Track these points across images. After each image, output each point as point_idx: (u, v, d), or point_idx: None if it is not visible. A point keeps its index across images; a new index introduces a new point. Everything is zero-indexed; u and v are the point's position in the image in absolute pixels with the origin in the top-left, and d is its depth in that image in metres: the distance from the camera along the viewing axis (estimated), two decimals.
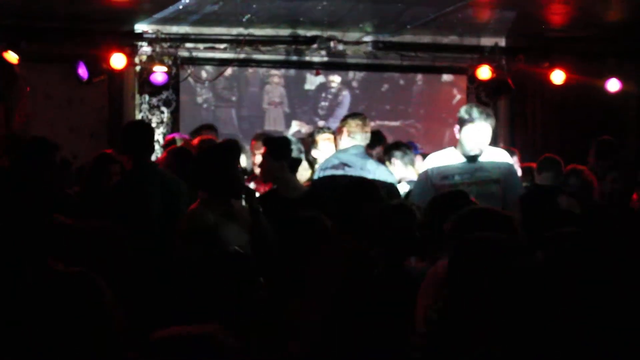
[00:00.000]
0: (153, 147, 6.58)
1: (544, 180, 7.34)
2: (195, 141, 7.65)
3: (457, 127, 6.33)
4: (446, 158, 6.41)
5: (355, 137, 6.67)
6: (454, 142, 6.46)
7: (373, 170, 6.53)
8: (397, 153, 7.64)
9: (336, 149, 6.94)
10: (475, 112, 6.23)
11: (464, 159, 6.32)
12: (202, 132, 8.77)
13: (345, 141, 6.70)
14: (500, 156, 6.48)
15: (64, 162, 6.96)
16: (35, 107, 10.10)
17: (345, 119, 6.89)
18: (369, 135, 6.77)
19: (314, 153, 7.27)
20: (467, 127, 6.23)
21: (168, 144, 8.04)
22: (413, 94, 11.47)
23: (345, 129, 6.73)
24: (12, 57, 9.51)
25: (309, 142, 7.35)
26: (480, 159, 6.32)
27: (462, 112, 6.32)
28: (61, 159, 6.65)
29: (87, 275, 2.76)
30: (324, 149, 7.20)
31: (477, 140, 6.24)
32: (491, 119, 6.28)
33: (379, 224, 4.80)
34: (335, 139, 7.02)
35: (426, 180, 6.34)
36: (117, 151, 6.71)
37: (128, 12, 9.80)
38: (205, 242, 5.13)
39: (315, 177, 6.71)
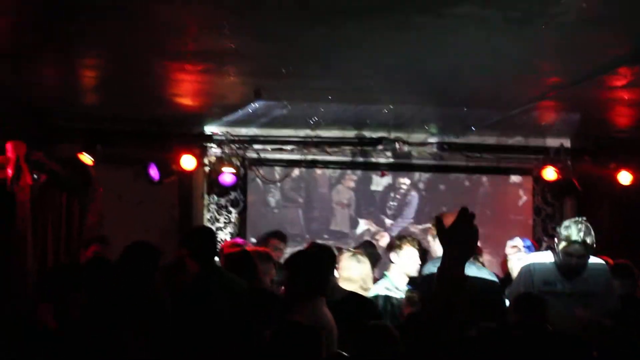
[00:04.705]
0: (216, 250, 6.83)
1: (618, 287, 7.20)
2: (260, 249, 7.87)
3: (555, 239, 6.40)
4: (550, 261, 6.44)
5: None
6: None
7: (474, 272, 6.60)
8: None
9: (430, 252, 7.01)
10: (573, 230, 6.28)
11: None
12: (270, 240, 9.00)
13: (438, 246, 6.77)
14: (599, 267, 6.47)
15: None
16: (108, 207, 10.34)
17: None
18: None
19: (392, 256, 7.36)
20: (564, 245, 6.28)
21: None
22: (479, 195, 11.47)
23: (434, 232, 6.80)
24: (87, 159, 9.82)
25: (394, 244, 7.46)
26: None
27: (562, 227, 6.39)
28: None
29: None
30: (406, 255, 7.27)
31: (571, 260, 6.29)
32: (588, 237, 6.28)
33: None
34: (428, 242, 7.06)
35: (528, 278, 6.38)
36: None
37: (198, 116, 10.10)
38: None
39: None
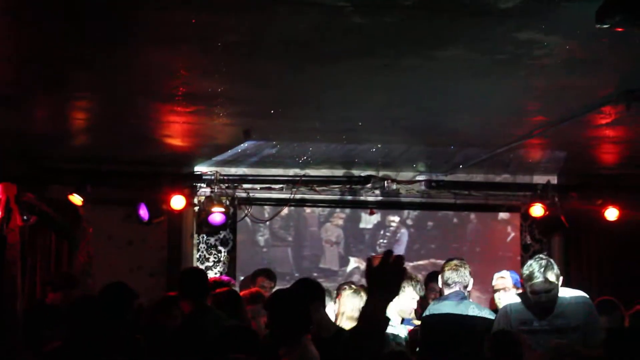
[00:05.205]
0: (208, 290, 6.85)
1: (605, 323, 7.22)
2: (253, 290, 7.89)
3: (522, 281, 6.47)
4: (526, 299, 6.46)
5: (452, 284, 6.84)
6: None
7: (475, 312, 6.73)
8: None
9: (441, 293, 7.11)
10: (534, 267, 6.30)
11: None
12: (258, 279, 9.01)
13: (445, 290, 6.91)
14: (579, 301, 6.47)
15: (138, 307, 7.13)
16: (97, 247, 10.33)
17: (442, 267, 7.07)
18: (465, 272, 6.90)
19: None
20: (528, 284, 6.31)
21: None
22: (467, 232, 11.53)
23: (440, 277, 6.94)
24: (76, 199, 9.83)
25: None
26: (559, 302, 6.35)
27: (524, 267, 6.44)
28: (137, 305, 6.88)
29: None
30: (406, 296, 7.31)
31: (540, 297, 6.31)
32: (550, 272, 6.28)
33: None
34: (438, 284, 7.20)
35: (506, 320, 6.42)
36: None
37: (188, 156, 10.15)
38: None
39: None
